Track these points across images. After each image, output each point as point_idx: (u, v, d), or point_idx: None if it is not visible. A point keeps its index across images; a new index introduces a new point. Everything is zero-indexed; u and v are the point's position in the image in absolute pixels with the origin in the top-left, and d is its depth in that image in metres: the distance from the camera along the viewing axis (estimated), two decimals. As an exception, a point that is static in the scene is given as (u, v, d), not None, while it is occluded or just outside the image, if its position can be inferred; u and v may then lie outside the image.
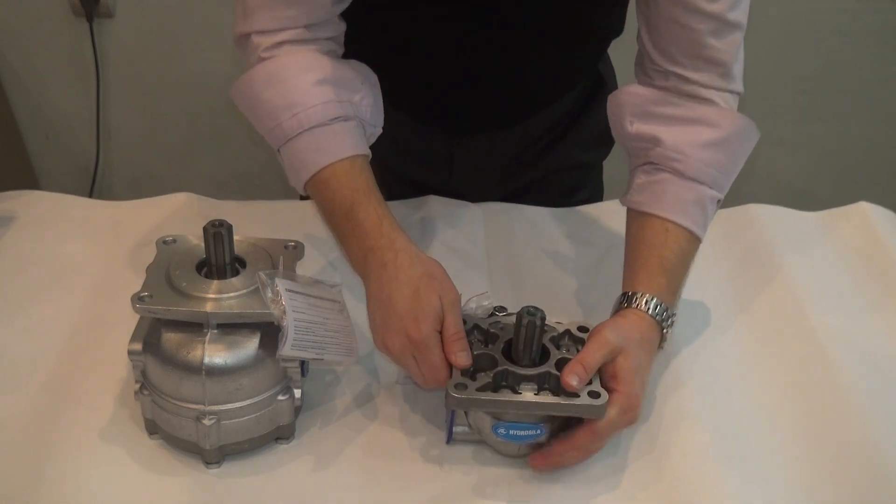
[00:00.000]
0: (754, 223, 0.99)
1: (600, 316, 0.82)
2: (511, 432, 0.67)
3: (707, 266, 0.93)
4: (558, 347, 0.70)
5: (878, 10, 1.58)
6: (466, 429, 0.71)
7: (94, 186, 1.81)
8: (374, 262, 0.70)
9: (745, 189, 1.38)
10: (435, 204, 0.99)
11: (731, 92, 0.80)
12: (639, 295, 0.73)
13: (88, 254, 0.89)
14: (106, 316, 0.82)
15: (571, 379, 0.64)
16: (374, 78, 0.83)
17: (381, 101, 0.83)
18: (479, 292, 0.74)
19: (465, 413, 0.70)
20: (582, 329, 0.72)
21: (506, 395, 0.66)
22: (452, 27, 0.84)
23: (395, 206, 0.98)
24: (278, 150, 0.78)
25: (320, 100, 0.75)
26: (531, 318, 0.66)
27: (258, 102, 0.77)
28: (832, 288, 0.90)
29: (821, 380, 0.79)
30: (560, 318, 0.73)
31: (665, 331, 0.73)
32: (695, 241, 0.78)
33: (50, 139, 1.82)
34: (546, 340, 0.69)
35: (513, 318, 0.68)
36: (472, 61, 0.88)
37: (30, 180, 1.82)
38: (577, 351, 0.70)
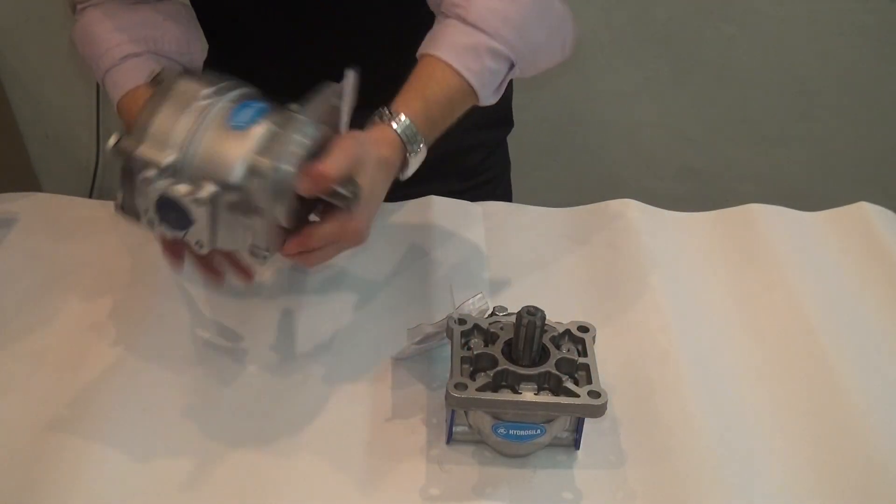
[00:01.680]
0: (754, 223, 0.99)
1: (600, 316, 0.82)
2: (511, 432, 0.67)
3: (707, 266, 0.93)
4: (558, 347, 0.70)
5: (878, 10, 1.58)
6: (466, 429, 0.71)
7: (94, 186, 1.81)
8: None
9: (745, 189, 1.38)
10: (435, 204, 0.99)
11: None
12: (391, 112, 0.72)
13: (88, 254, 0.90)
14: (107, 316, 0.82)
15: (305, 183, 0.62)
16: (184, 12, 0.92)
17: (196, 31, 0.93)
18: (474, 293, 0.74)
19: (465, 413, 0.70)
20: (582, 329, 0.72)
21: (506, 395, 0.66)
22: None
23: (395, 207, 0.98)
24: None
25: (112, 44, 0.86)
26: (531, 318, 0.66)
27: (82, 56, 0.89)
28: (832, 288, 0.90)
29: (821, 380, 0.79)
30: (560, 318, 0.73)
31: (408, 155, 0.72)
32: (465, 86, 0.75)
33: (50, 139, 1.82)
34: (546, 340, 0.69)
35: (513, 318, 0.68)
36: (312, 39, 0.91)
37: (30, 180, 1.82)
38: (578, 351, 0.71)
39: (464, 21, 0.76)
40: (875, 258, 0.94)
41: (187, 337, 0.80)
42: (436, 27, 0.79)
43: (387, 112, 0.73)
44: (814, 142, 1.78)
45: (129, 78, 0.85)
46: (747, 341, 0.83)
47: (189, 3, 0.94)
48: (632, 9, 1.61)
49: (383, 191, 0.71)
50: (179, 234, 0.64)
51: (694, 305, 0.87)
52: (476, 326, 0.72)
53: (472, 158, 1.07)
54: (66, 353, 0.78)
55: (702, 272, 0.92)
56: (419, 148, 0.73)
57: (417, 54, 0.79)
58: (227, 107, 0.63)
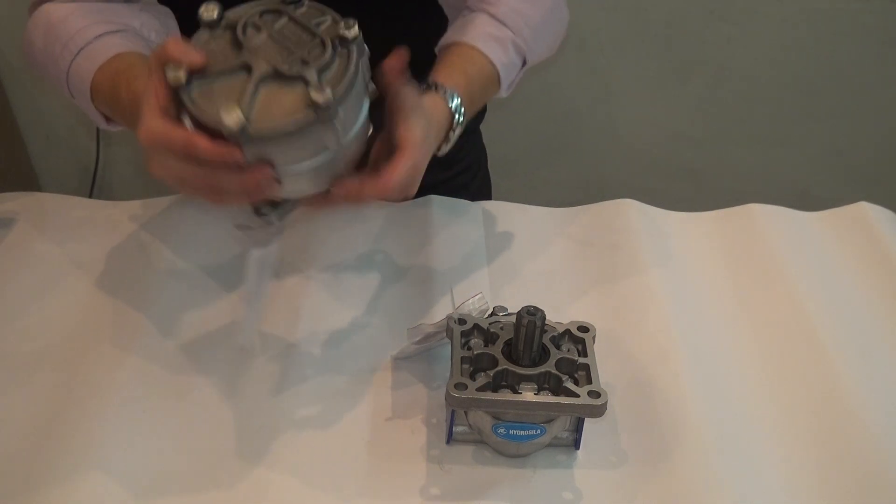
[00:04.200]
0: (754, 223, 0.99)
1: (600, 316, 0.82)
2: (511, 432, 0.67)
3: (707, 266, 0.93)
4: (558, 347, 0.70)
5: (878, 10, 1.58)
6: (466, 429, 0.71)
7: (94, 186, 1.81)
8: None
9: (745, 189, 1.39)
10: (435, 204, 0.99)
11: None
12: (441, 85, 0.75)
13: (88, 254, 0.90)
14: (106, 316, 0.82)
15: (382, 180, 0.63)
16: (164, 10, 0.85)
17: (175, 30, 0.85)
18: (473, 293, 0.75)
19: (465, 413, 0.70)
20: (582, 329, 0.72)
21: (506, 395, 0.66)
22: None
23: (395, 207, 0.98)
24: (72, 95, 0.78)
25: (84, 24, 0.76)
26: (531, 318, 0.66)
27: (39, 54, 0.79)
28: (832, 288, 0.90)
29: (820, 380, 0.79)
30: (560, 318, 0.73)
31: (452, 130, 0.75)
32: (494, 73, 0.81)
33: (50, 140, 1.82)
34: (546, 340, 0.69)
35: (513, 318, 0.68)
36: None
37: (30, 181, 1.83)
38: (578, 351, 0.71)
39: (492, 16, 0.82)
40: (875, 258, 0.94)
41: (187, 336, 0.80)
42: (463, 20, 0.83)
43: (433, 84, 0.75)
44: (814, 142, 1.78)
45: (107, 51, 0.74)
46: (747, 341, 0.83)
47: (168, 9, 0.87)
48: (632, 9, 1.61)
49: (431, 153, 0.70)
50: None
51: (694, 305, 0.87)
52: (476, 326, 0.72)
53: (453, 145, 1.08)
54: (66, 353, 0.78)
55: (702, 272, 0.92)
56: (461, 122, 0.75)
57: (445, 41, 0.82)
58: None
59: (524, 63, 0.85)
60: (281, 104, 0.60)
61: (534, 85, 1.70)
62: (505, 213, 1.00)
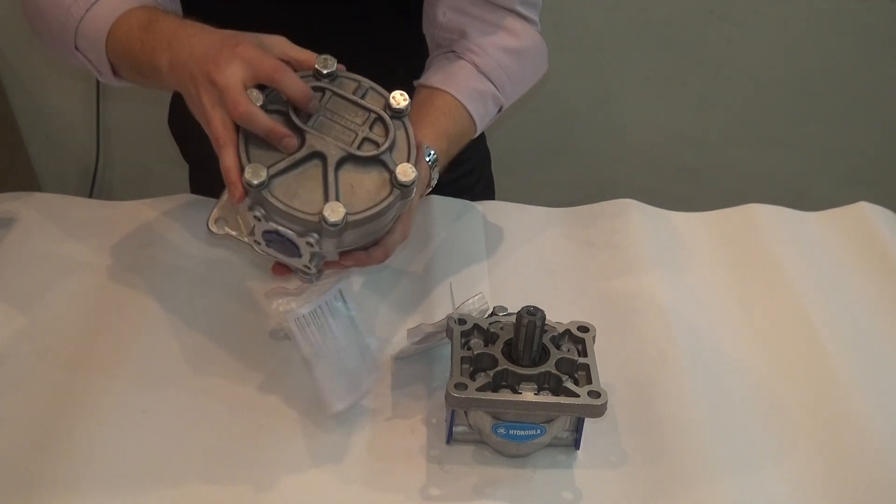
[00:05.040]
0: (754, 223, 0.99)
1: (600, 316, 0.82)
2: (511, 432, 0.67)
3: (707, 266, 0.93)
4: (558, 347, 0.70)
5: (878, 10, 1.58)
6: (466, 429, 0.71)
7: (94, 186, 1.81)
8: (169, 39, 0.68)
9: (745, 189, 1.38)
10: (435, 204, 0.99)
11: (527, 19, 0.90)
12: (427, 148, 0.79)
13: (88, 254, 0.90)
14: (106, 317, 0.82)
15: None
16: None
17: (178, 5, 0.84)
18: (473, 294, 0.75)
19: (465, 413, 0.70)
20: (582, 329, 0.72)
21: (506, 395, 0.66)
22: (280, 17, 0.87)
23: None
24: (76, 47, 0.76)
25: None
26: (531, 318, 0.66)
27: (41, 5, 0.78)
28: (832, 288, 0.90)
29: (820, 379, 0.79)
30: (560, 318, 0.73)
31: (428, 187, 0.81)
32: (473, 127, 0.87)
33: (50, 139, 1.82)
34: (546, 340, 0.69)
35: (513, 318, 0.68)
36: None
37: (30, 181, 1.82)
38: (578, 351, 0.71)
39: (477, 67, 0.86)
40: (875, 258, 0.94)
41: (187, 337, 0.80)
42: (448, 63, 0.87)
43: (423, 145, 0.78)
44: (814, 142, 1.78)
45: (122, 3, 0.73)
46: (747, 341, 0.83)
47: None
48: (632, 9, 1.61)
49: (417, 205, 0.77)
50: (285, 259, 0.67)
51: (694, 305, 0.87)
52: (476, 326, 0.72)
53: None
54: (66, 353, 0.78)
55: (702, 272, 0.92)
56: (435, 180, 0.82)
57: (431, 82, 0.85)
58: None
59: (500, 109, 0.91)
60: (364, 187, 0.63)
61: (534, 85, 1.70)
62: (505, 213, 1.00)
